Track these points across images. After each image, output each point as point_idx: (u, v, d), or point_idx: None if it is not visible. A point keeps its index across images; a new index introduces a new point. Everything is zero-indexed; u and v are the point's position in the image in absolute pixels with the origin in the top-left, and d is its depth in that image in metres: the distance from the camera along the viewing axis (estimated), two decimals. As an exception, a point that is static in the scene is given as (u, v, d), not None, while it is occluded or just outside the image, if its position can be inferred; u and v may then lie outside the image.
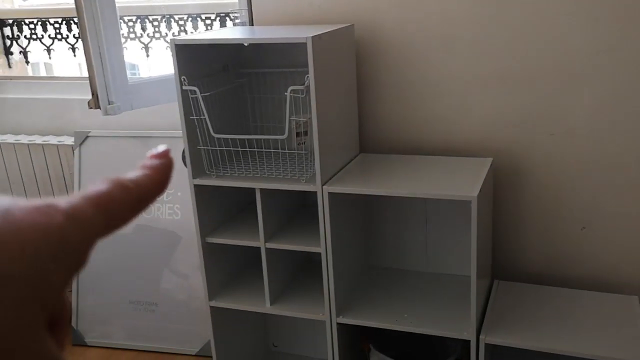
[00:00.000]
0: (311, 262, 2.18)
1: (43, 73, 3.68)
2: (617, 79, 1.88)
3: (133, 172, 0.36)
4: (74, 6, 1.96)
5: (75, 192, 0.33)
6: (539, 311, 1.92)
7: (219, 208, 2.05)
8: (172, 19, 2.58)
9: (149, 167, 0.37)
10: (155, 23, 2.60)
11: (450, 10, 1.98)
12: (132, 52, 2.77)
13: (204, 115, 1.83)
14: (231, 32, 2.00)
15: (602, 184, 1.98)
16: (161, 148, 0.38)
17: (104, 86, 2.01)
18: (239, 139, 1.94)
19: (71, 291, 2.64)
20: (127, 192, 0.34)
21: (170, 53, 1.80)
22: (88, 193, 0.33)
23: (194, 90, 1.80)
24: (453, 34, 2.00)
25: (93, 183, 0.34)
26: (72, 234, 0.31)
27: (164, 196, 2.45)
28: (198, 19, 2.55)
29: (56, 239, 0.30)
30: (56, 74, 3.64)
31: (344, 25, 1.94)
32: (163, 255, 2.51)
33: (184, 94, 1.82)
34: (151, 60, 2.72)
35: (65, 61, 3.16)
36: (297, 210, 2.13)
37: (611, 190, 1.98)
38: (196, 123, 1.86)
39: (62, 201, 0.31)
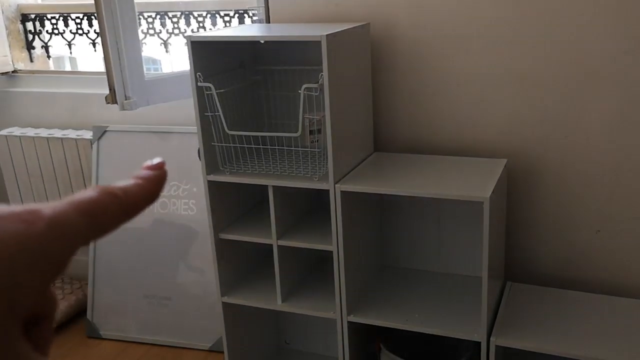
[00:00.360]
0: (324, 260, 2.18)
1: (68, 67, 3.73)
2: (637, 82, 1.85)
3: (125, 181, 0.36)
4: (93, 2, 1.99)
5: (64, 196, 0.33)
6: (552, 314, 1.90)
7: (233, 204, 2.06)
8: (191, 16, 2.59)
9: (141, 177, 0.37)
10: (175, 19, 2.62)
11: (468, 9, 1.96)
12: (152, 47, 2.79)
13: (218, 112, 1.84)
14: (246, 30, 2.01)
15: (618, 188, 1.96)
16: (156, 160, 0.38)
17: (121, 82, 2.03)
18: (252, 136, 1.95)
19: (87, 284, 2.68)
20: (115, 199, 0.34)
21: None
22: (75, 199, 0.33)
23: (209, 87, 1.81)
24: (470, 34, 1.98)
25: (83, 190, 0.34)
26: (53, 242, 0.31)
27: (180, 191, 2.47)
28: (217, 15, 2.57)
29: (35, 246, 0.30)
30: (81, 68, 3.70)
31: (359, 24, 1.94)
32: (179, 250, 2.53)
33: (199, 91, 1.84)
34: (172, 56, 2.74)
35: (90, 56, 3.20)
36: (311, 208, 2.14)
37: (627, 194, 1.95)
38: (211, 119, 1.88)
39: (47, 207, 0.32)
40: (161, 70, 4.30)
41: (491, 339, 1.79)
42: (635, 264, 2.00)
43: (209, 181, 1.92)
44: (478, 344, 1.81)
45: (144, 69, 2.10)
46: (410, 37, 2.04)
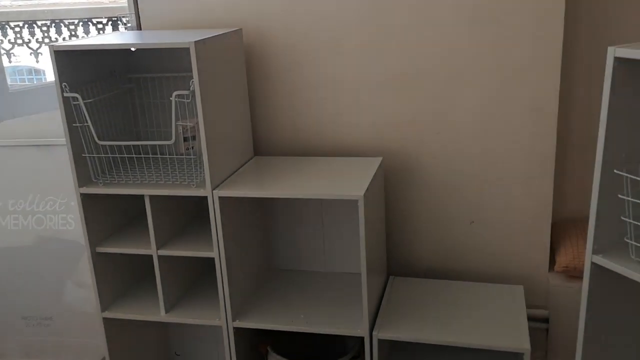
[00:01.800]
0: (212, 267, 2.16)
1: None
2: (497, 78, 1.96)
3: None
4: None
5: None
6: (432, 305, 1.98)
7: (110, 216, 2.01)
8: (62, 24, 2.50)
9: None
10: (44, 28, 2.52)
11: (338, 15, 2.01)
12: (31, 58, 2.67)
13: (87, 123, 1.79)
14: (113, 38, 1.97)
15: (487, 179, 2.07)
16: None
17: (-18, 94, 1.93)
18: (125, 146, 1.91)
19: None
20: None
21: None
22: None
23: (76, 97, 1.76)
24: (341, 38, 2.03)
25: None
26: None
27: (56, 206, 2.37)
28: (89, 23, 2.49)
29: None
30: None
31: (231, 30, 1.94)
32: (65, 267, 2.43)
33: (66, 101, 1.78)
34: (42, 66, 2.64)
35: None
36: (194, 215, 2.12)
37: (496, 185, 2.07)
38: (80, 130, 1.82)
39: None
40: (45, 81, 4.12)
41: (373, 333, 1.84)
42: (507, 251, 2.12)
43: (81, 194, 1.86)
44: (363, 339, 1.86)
45: (8, 81, 2.00)
46: (284, 42, 2.07)
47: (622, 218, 1.32)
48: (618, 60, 1.23)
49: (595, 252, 1.34)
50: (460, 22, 1.94)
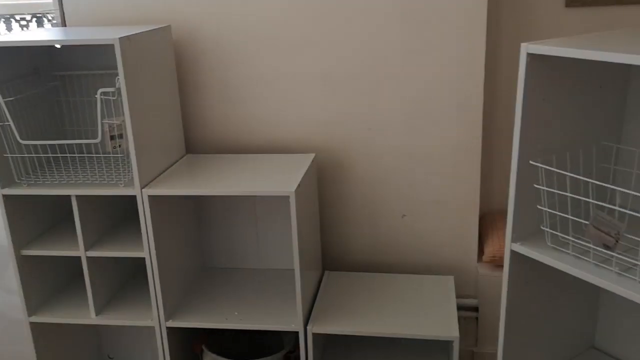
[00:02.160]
0: (143, 267, 2.13)
1: None
2: (425, 75, 2.01)
3: None
4: None
5: None
6: (366, 297, 2.01)
7: (36, 218, 1.95)
8: (-18, 20, 2.41)
9: None
10: (-36, 25, 2.42)
11: (269, 13, 2.02)
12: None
13: (8, 122, 1.73)
14: (35, 34, 1.91)
15: (418, 174, 2.12)
16: None
17: None
18: (50, 145, 1.86)
19: None
20: None
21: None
22: None
23: (-4, 96, 1.70)
24: (271, 35, 2.04)
25: None
26: None
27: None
28: (12, 19, 2.41)
29: None
30: None
31: (159, 26, 1.92)
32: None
33: (-15, 100, 1.72)
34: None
35: None
36: (125, 215, 2.08)
37: (426, 179, 2.12)
38: (1, 130, 1.76)
39: None
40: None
41: (307, 327, 1.86)
42: (438, 243, 2.17)
43: (3, 195, 1.80)
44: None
45: None
46: (215, 39, 2.06)
47: (538, 207, 1.37)
48: (531, 57, 1.28)
49: (514, 240, 1.39)
50: (389, 22, 1.97)
